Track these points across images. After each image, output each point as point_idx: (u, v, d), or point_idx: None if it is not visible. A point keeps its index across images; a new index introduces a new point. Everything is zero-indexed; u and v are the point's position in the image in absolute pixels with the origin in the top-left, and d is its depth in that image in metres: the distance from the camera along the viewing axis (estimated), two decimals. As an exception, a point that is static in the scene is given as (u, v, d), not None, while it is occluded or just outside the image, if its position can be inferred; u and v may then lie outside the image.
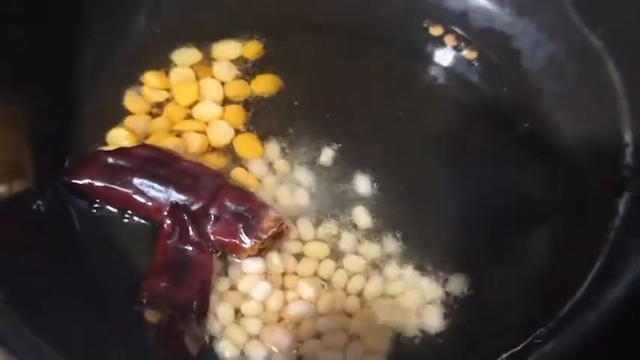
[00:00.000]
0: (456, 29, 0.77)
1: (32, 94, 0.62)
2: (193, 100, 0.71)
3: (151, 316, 0.57)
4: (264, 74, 0.73)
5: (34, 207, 0.59)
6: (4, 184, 0.57)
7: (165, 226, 0.59)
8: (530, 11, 0.74)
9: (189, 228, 0.58)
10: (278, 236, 0.60)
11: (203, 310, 0.57)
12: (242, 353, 0.57)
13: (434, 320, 0.59)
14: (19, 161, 0.60)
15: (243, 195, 0.60)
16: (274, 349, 0.57)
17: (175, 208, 0.59)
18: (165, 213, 0.59)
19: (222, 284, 0.60)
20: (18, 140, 0.61)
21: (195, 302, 0.57)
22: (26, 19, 0.62)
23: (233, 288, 0.60)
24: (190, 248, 0.59)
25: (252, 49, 0.74)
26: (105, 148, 0.62)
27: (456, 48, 0.76)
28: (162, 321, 0.56)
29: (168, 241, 0.59)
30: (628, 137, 0.65)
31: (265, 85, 0.72)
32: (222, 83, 0.72)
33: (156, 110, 0.70)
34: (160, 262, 0.58)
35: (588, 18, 0.68)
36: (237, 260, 0.60)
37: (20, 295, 0.49)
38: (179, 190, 0.59)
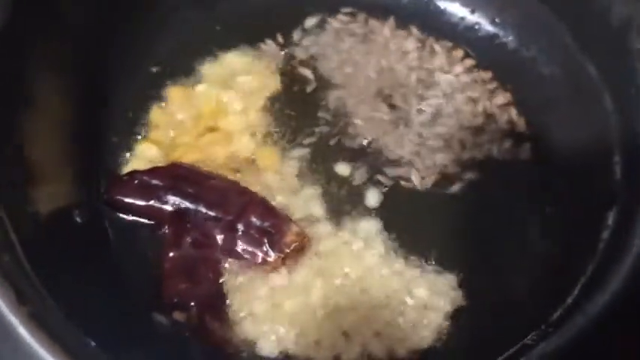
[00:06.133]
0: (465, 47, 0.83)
1: (71, 106, 0.69)
2: (217, 113, 0.75)
3: (179, 315, 0.62)
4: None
5: (75, 219, 0.65)
6: (46, 184, 0.62)
7: (167, 236, 0.64)
8: (532, 38, 0.80)
9: (189, 234, 0.64)
10: (300, 249, 0.66)
11: (222, 296, 0.63)
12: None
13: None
14: (60, 165, 0.66)
15: (267, 211, 0.66)
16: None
17: (174, 217, 0.64)
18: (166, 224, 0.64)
19: (239, 289, 0.65)
20: (58, 145, 0.67)
21: (216, 290, 0.63)
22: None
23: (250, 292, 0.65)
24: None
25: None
26: (139, 168, 0.68)
27: (471, 69, 0.81)
28: (191, 318, 0.62)
29: (171, 253, 0.64)
30: (617, 155, 0.70)
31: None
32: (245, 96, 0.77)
33: (181, 124, 0.75)
34: (170, 268, 0.64)
35: (584, 46, 0.74)
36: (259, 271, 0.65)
37: (63, 296, 0.54)
38: (208, 207, 0.65)
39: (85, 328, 0.53)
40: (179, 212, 0.64)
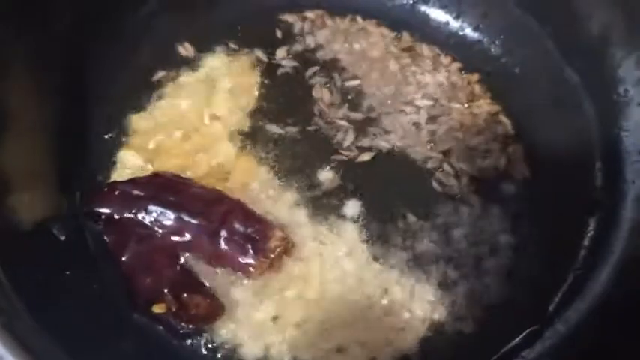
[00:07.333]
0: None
1: (49, 115, 0.68)
2: (199, 120, 0.74)
3: (158, 307, 0.62)
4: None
5: (54, 230, 0.64)
6: (23, 191, 0.61)
7: (110, 245, 0.64)
8: (515, 44, 0.80)
9: (131, 235, 0.63)
10: (284, 253, 0.66)
11: (189, 273, 0.64)
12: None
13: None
14: (38, 172, 0.66)
15: (250, 217, 0.65)
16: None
17: (109, 225, 0.64)
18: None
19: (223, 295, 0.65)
20: (37, 153, 0.66)
21: (180, 270, 0.63)
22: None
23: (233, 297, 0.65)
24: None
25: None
26: (119, 179, 0.67)
27: (457, 73, 0.82)
28: (170, 303, 0.61)
29: (123, 257, 0.64)
30: (599, 162, 0.71)
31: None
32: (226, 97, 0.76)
33: (163, 131, 0.73)
34: (128, 270, 0.63)
35: (566, 53, 0.74)
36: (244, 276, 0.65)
37: (41, 306, 0.55)
38: (190, 216, 0.64)
39: (59, 338, 0.52)
40: (112, 219, 0.64)
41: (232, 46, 0.80)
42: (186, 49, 0.80)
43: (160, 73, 0.77)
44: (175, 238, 0.64)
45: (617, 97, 0.70)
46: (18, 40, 0.63)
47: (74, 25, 0.70)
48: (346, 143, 0.75)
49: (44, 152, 0.67)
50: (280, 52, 0.81)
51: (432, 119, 0.78)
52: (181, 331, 0.62)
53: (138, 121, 0.74)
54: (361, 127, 0.77)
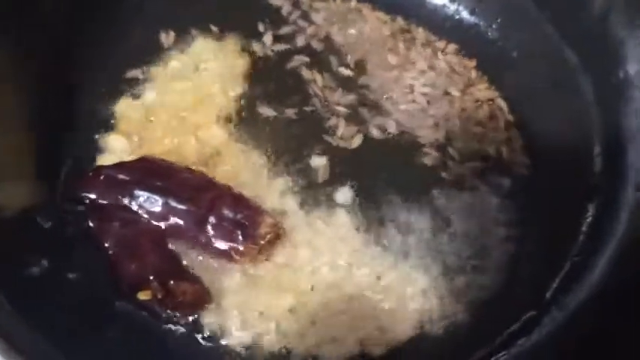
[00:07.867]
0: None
1: (32, 97, 0.66)
2: (187, 102, 0.73)
3: (143, 294, 0.60)
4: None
5: (38, 219, 0.62)
6: (6, 179, 0.61)
7: (94, 230, 0.63)
8: (512, 28, 0.79)
9: (114, 219, 0.62)
10: (274, 240, 0.64)
11: (175, 259, 0.62)
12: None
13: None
14: (21, 159, 0.65)
15: (239, 202, 0.64)
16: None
17: (92, 210, 0.63)
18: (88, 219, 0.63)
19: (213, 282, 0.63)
20: (20, 142, 0.65)
21: (166, 256, 0.62)
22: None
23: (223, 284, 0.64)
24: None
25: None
26: (105, 163, 0.65)
27: (453, 57, 0.81)
28: (156, 290, 0.60)
29: (106, 243, 0.62)
30: (598, 147, 0.69)
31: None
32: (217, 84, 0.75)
33: (151, 115, 0.72)
34: (113, 255, 0.62)
35: (565, 35, 0.73)
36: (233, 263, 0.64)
37: (24, 294, 0.54)
38: (178, 201, 0.62)
39: (43, 328, 0.52)
40: (97, 204, 0.63)
41: (222, 30, 0.79)
42: (168, 38, 0.78)
43: (148, 59, 0.76)
44: (162, 224, 0.62)
45: (618, 79, 0.68)
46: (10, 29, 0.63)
47: (66, 12, 0.69)
48: (340, 129, 0.74)
49: (29, 138, 0.66)
50: (270, 36, 0.79)
51: (429, 104, 0.77)
52: (167, 319, 0.61)
53: (126, 106, 0.73)
54: (356, 112, 0.75)
